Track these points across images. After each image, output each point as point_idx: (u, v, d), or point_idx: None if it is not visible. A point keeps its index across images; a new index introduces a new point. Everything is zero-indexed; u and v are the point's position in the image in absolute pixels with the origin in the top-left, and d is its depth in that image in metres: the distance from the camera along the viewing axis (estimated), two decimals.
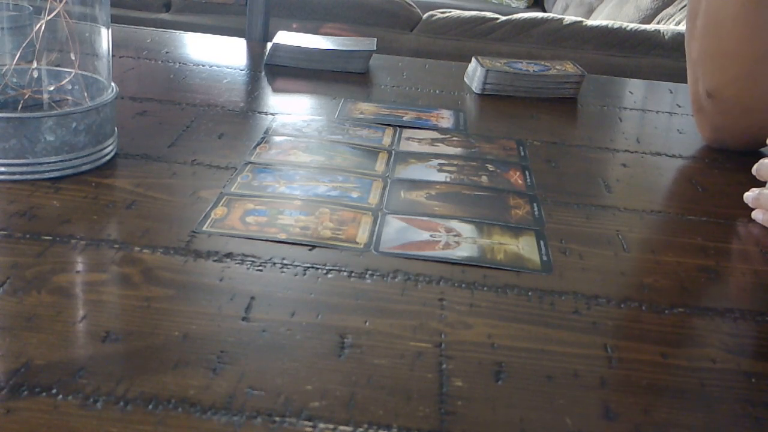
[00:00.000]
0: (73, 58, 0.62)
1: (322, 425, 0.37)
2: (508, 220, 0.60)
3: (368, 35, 1.17)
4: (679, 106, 0.96)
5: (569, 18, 1.97)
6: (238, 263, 0.50)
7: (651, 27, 1.96)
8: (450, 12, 2.00)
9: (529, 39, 1.92)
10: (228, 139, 0.72)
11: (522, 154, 0.74)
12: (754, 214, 0.64)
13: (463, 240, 0.56)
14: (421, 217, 0.59)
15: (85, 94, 0.64)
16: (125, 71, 0.91)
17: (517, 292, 0.50)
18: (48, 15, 0.59)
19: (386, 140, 0.74)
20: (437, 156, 0.71)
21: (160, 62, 0.96)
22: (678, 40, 1.89)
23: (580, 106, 0.93)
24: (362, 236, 0.55)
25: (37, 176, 0.59)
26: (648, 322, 0.48)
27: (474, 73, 0.96)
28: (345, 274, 0.50)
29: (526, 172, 0.70)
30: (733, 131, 0.80)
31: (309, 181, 0.63)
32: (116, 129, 0.66)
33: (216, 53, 1.03)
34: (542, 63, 0.98)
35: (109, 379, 0.38)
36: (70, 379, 0.38)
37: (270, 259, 0.51)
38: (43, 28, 0.59)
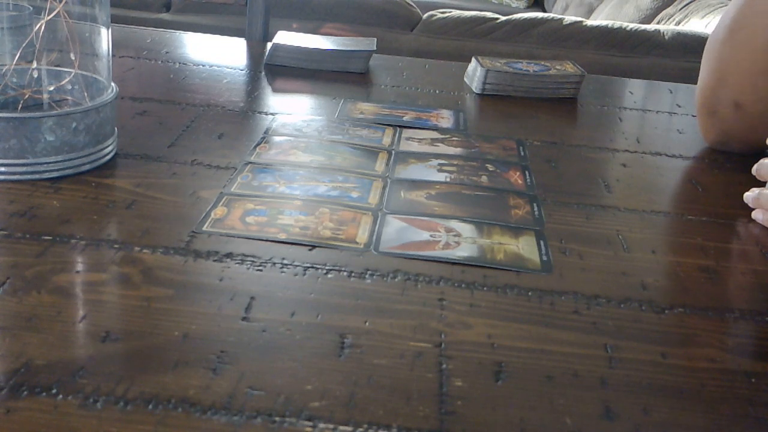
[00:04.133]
0: (73, 58, 0.62)
1: (322, 425, 0.37)
2: (508, 220, 0.60)
3: (368, 35, 1.17)
4: (679, 106, 0.96)
5: (569, 18, 1.97)
6: (238, 263, 0.50)
7: (651, 27, 1.96)
8: (450, 12, 2.00)
9: (529, 39, 1.92)
10: (228, 139, 0.72)
11: (522, 154, 0.74)
12: (754, 214, 0.64)
13: (463, 240, 0.56)
14: (421, 217, 0.59)
15: (85, 94, 0.64)
16: (125, 71, 0.91)
17: (517, 292, 0.50)
18: (48, 15, 0.59)
19: (386, 140, 0.74)
20: (437, 156, 0.72)
21: (160, 62, 0.96)
22: (678, 40, 1.89)
23: (580, 106, 0.93)
24: (362, 236, 0.55)
25: (37, 176, 0.59)
26: (648, 322, 0.48)
27: (474, 73, 0.96)
28: (345, 274, 0.50)
29: (526, 172, 0.70)
30: (745, 140, 0.79)
31: (309, 181, 0.63)
32: (116, 129, 0.66)
33: (216, 53, 1.03)
34: (542, 63, 0.98)
35: (109, 379, 0.38)
36: (70, 379, 0.38)
37: (270, 259, 0.51)
38: (43, 28, 0.59)
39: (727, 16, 0.79)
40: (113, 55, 0.84)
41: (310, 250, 0.53)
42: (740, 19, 0.77)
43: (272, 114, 0.80)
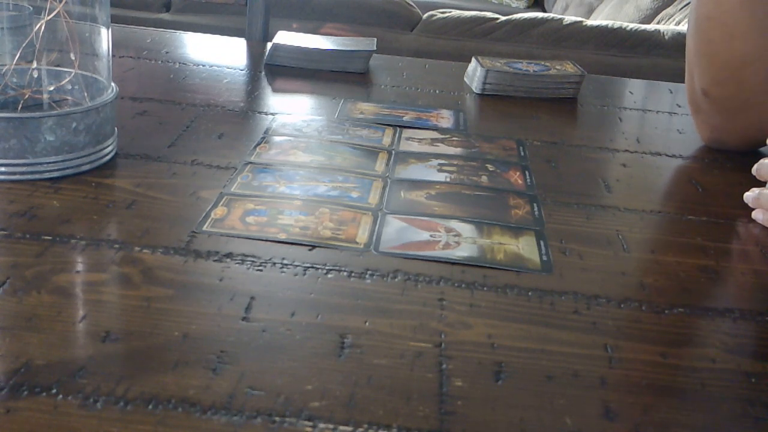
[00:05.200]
0: (73, 58, 0.62)
1: (322, 425, 0.37)
2: (508, 220, 0.60)
3: (368, 35, 1.17)
4: (679, 106, 0.96)
5: (569, 18, 1.97)
6: (238, 263, 0.50)
7: (651, 27, 1.96)
8: (450, 12, 2.00)
9: (529, 39, 1.92)
10: (228, 139, 0.72)
11: (522, 154, 0.74)
12: (754, 214, 0.64)
13: (463, 240, 0.56)
14: (421, 217, 0.59)
15: (85, 94, 0.64)
16: (125, 71, 0.91)
17: (517, 292, 0.50)
18: (48, 15, 0.59)
19: (386, 140, 0.74)
20: (437, 156, 0.72)
21: (160, 62, 0.96)
22: (678, 40, 1.89)
23: (580, 106, 0.93)
24: (362, 236, 0.55)
25: (37, 176, 0.59)
26: (648, 322, 0.48)
27: (474, 73, 0.96)
28: (345, 274, 0.50)
29: (526, 172, 0.70)
30: (731, 131, 0.80)
31: (309, 181, 0.63)
32: (116, 129, 0.66)
33: (216, 53, 1.03)
34: (542, 63, 0.98)
35: (109, 379, 0.38)
36: (70, 379, 0.38)
37: (270, 259, 0.51)
38: (43, 28, 0.59)
39: (690, 4, 0.81)
40: (113, 55, 0.84)
41: (310, 250, 0.53)
42: (692, 8, 0.79)
43: (272, 114, 0.80)
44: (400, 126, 0.79)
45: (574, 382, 0.42)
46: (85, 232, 0.53)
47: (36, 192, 0.58)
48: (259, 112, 0.80)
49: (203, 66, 0.95)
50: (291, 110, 0.81)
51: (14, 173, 0.58)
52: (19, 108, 0.62)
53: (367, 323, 0.45)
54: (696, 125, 0.83)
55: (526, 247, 0.56)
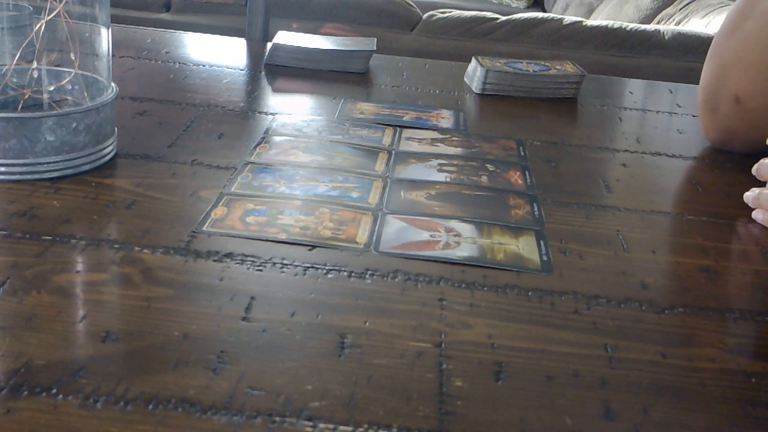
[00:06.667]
0: (73, 58, 0.62)
1: (322, 425, 0.37)
2: (508, 220, 0.60)
3: (368, 35, 1.17)
4: (679, 106, 0.96)
5: (569, 18, 1.97)
6: (238, 263, 0.50)
7: (651, 27, 1.96)
8: (450, 12, 2.00)
9: (529, 39, 1.92)
10: (228, 139, 0.72)
11: (522, 154, 0.74)
12: (754, 214, 0.64)
13: (463, 240, 0.56)
14: (421, 217, 0.59)
15: (85, 94, 0.64)
16: (125, 71, 0.91)
17: (517, 292, 0.50)
18: (48, 15, 0.59)
19: (386, 140, 0.74)
20: (437, 156, 0.72)
21: (160, 62, 0.96)
22: (678, 40, 1.89)
23: (580, 106, 0.93)
24: (362, 236, 0.55)
25: (37, 176, 0.59)
26: (648, 322, 0.48)
27: (474, 73, 0.96)
28: (345, 274, 0.50)
29: (526, 172, 0.70)
30: (746, 138, 0.79)
31: (309, 181, 0.63)
32: (116, 129, 0.66)
33: (216, 53, 1.03)
34: (542, 63, 0.98)
35: (109, 379, 0.38)
36: (70, 379, 0.38)
37: (270, 259, 0.51)
38: (43, 28, 0.59)
39: (734, 10, 0.79)
40: (113, 55, 0.84)
41: (310, 250, 0.53)
42: (745, 12, 0.77)
43: (272, 114, 0.80)
44: (400, 126, 0.79)
45: (574, 382, 0.42)
46: (85, 232, 0.53)
47: (36, 192, 0.58)
48: (259, 112, 0.80)
49: (203, 66, 0.95)
50: (291, 110, 0.81)
51: (14, 173, 0.58)
52: (19, 108, 0.62)
53: (367, 323, 0.45)
54: (704, 123, 0.82)
55: (526, 247, 0.56)
